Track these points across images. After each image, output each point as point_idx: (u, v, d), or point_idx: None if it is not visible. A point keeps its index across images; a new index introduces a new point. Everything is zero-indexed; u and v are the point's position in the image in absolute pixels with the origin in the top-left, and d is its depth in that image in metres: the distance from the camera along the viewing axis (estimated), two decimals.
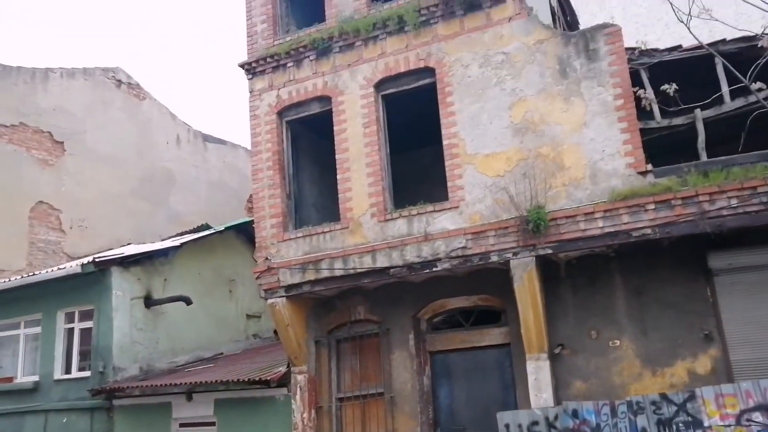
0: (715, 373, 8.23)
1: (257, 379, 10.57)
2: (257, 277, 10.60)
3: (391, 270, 9.55)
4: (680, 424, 7.43)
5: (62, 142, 17.64)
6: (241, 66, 11.54)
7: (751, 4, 7.17)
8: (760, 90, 7.44)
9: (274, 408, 10.76)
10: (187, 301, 13.44)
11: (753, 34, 8.00)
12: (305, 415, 10.27)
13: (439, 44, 9.99)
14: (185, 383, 11.37)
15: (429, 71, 10.04)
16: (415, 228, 9.56)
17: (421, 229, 9.50)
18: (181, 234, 16.22)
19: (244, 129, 57.15)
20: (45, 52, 47.18)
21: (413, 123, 10.94)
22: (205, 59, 54.22)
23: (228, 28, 55.47)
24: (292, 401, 10.42)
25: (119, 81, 19.24)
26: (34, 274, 14.14)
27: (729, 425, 7.24)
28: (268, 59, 11.23)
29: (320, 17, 11.19)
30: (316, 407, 10.37)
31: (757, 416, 7.18)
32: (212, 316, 14.41)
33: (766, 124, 8.71)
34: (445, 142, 9.72)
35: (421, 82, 10.18)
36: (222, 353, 14.20)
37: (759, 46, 7.44)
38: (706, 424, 7.33)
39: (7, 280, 14.25)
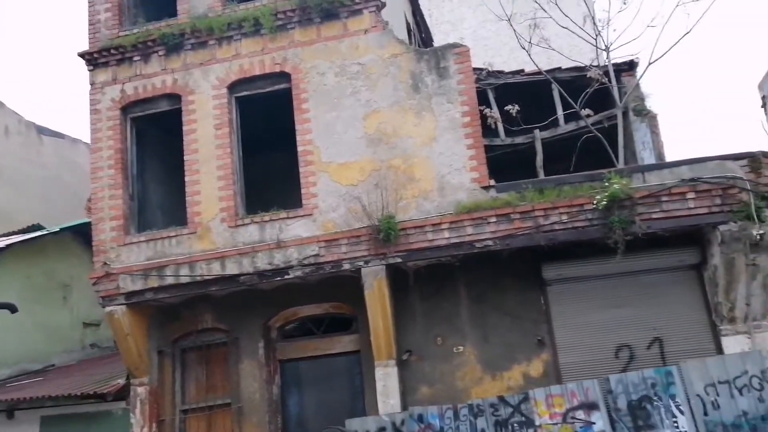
0: (547, 375, 8.88)
1: (91, 392, 9.83)
2: (94, 284, 9.87)
3: (242, 277, 9.30)
4: (515, 425, 7.91)
5: None
6: (81, 56, 10.69)
7: (581, 38, 7.85)
8: (588, 116, 8.18)
9: (110, 423, 10.08)
10: (12, 309, 12.13)
11: (583, 65, 8.77)
12: (145, 429, 9.69)
13: (295, 50, 9.90)
14: (5, 399, 10.31)
15: (285, 76, 9.92)
16: (268, 235, 9.39)
17: (273, 236, 9.35)
18: (8, 234, 14.67)
19: (85, 123, 52.95)
20: None
21: (268, 126, 10.76)
22: (43, 45, 49.66)
23: (70, 12, 51.24)
24: (131, 415, 9.79)
25: None
26: None
27: (556, 423, 7.83)
28: (113, 51, 10.51)
29: (172, 12, 10.66)
30: (157, 420, 9.82)
31: (580, 414, 7.84)
32: (42, 325, 13.17)
33: (594, 147, 9.60)
34: (300, 149, 9.65)
35: (276, 87, 10.04)
36: (53, 365, 13.04)
37: (588, 76, 8.18)
38: (537, 423, 7.87)
39: None
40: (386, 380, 8.91)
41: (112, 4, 10.87)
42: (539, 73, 9.09)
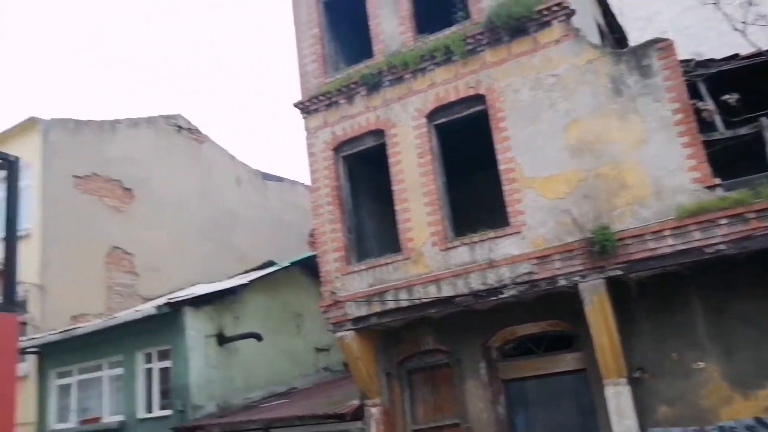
0: None
1: (332, 413, 10.68)
2: (324, 312, 10.77)
3: (457, 299, 9.54)
4: None
5: (131, 189, 18.45)
6: (296, 106, 11.86)
7: None
8: None
9: None
10: (258, 338, 13.76)
11: None
12: None
13: (487, 71, 10.02)
14: (263, 419, 11.60)
15: (479, 98, 10.07)
16: (478, 255, 9.54)
17: (484, 256, 9.47)
18: (247, 272, 16.65)
19: (301, 165, 58.17)
20: (112, 104, 49.55)
21: (467, 149, 10.98)
22: (259, 99, 55.75)
23: (280, 69, 56.92)
24: None
25: (179, 127, 20.03)
26: (113, 317, 14.76)
27: None
28: (321, 97, 11.52)
29: (368, 53, 11.41)
30: None
31: None
32: (283, 351, 14.68)
33: None
34: (501, 167, 9.70)
35: (472, 110, 10.21)
36: (295, 388, 14.42)
37: None
38: None
39: (88, 324, 14.91)
40: (618, 399, 8.50)
41: (317, 56, 11.94)
42: (759, 54, 8.16)
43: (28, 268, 15.04)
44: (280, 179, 22.20)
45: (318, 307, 11.15)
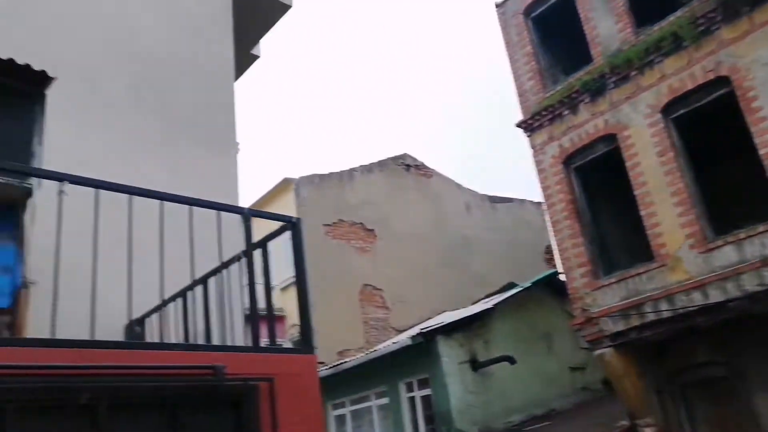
0: None
1: None
2: (578, 329, 10.45)
3: (729, 304, 8.61)
4: None
5: (373, 230, 19.86)
6: (519, 125, 11.87)
7: None
8: None
9: None
10: (511, 361, 13.73)
11: None
12: None
13: (727, 50, 9.09)
14: None
15: (722, 81, 9.15)
16: (748, 253, 8.55)
17: (755, 254, 8.46)
18: (489, 296, 16.80)
19: (528, 182, 57.59)
20: (346, 152, 54.28)
21: (711, 138, 10.00)
22: (468, 123, 56.71)
23: (489, 92, 57.48)
24: None
25: (407, 165, 21.18)
26: (373, 351, 15.87)
27: None
28: (543, 113, 11.38)
29: (586, 59, 11.05)
30: None
31: None
32: (537, 373, 14.45)
33: None
34: (762, 151, 8.65)
35: (714, 95, 9.32)
36: (554, 410, 14.07)
37: None
38: None
39: (353, 358, 16.22)
40: None
41: (533, 72, 11.87)
42: None
43: (297, 312, 16.86)
44: (508, 200, 22.22)
45: (570, 325, 10.86)
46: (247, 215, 4.26)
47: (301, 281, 4.48)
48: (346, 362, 16.22)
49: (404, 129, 55.49)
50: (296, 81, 60.90)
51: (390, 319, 19.11)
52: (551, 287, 14.79)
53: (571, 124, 11.01)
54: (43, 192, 4.10)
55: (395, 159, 21.16)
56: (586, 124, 10.79)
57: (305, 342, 4.44)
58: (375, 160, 20.87)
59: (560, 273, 12.87)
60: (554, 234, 11.17)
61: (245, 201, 19.56)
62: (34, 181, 4.18)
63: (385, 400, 15.32)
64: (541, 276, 15.49)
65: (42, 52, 5.22)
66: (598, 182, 11.43)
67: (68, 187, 3.42)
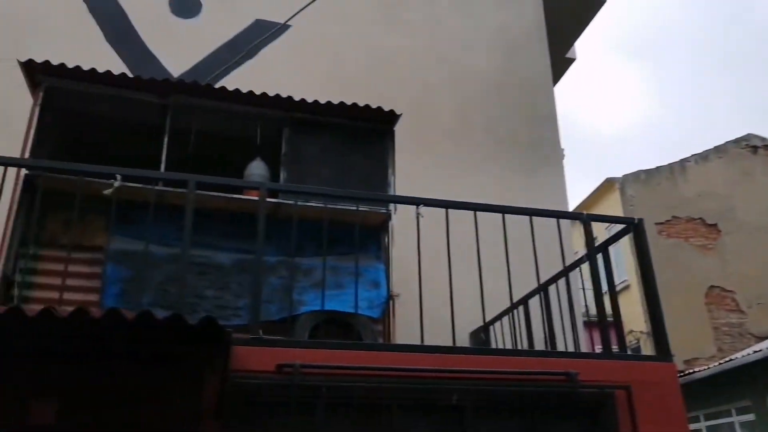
0: None
1: None
2: None
3: None
4: None
5: (715, 224, 17.76)
6: None
7: None
8: None
9: None
10: None
11: None
12: None
13: None
14: None
15: None
16: None
17: None
18: None
19: None
20: (667, 145, 49.99)
21: None
22: None
23: None
24: None
25: (754, 147, 18.50)
26: (729, 360, 14.09)
27: None
28: None
29: None
30: None
31: None
32: None
33: None
34: None
35: None
36: None
37: None
38: None
39: (703, 368, 14.62)
40: None
41: None
42: None
43: (632, 318, 15.92)
44: None
45: None
46: (586, 220, 4.22)
47: (649, 284, 4.26)
48: (697, 371, 14.74)
49: (742, 106, 48.57)
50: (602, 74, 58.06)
51: (747, 324, 16.79)
52: None
53: None
54: (398, 215, 4.65)
55: (737, 141, 18.68)
56: None
57: (660, 349, 4.20)
58: (710, 146, 18.71)
59: None
60: None
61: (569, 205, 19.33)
62: (390, 206, 4.77)
63: (749, 417, 13.47)
64: None
65: (384, 92, 5.95)
66: None
67: (422, 209, 3.82)
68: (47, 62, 4.53)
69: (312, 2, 5.87)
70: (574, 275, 4.68)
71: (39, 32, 6.82)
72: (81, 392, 2.98)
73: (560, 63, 8.25)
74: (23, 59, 4.53)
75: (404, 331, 4.31)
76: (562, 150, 6.79)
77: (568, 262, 4.53)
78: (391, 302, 4.59)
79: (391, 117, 4.99)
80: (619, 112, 56.09)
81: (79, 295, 4.31)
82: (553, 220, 4.29)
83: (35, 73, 4.58)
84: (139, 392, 3.06)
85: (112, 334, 2.85)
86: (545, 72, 6.97)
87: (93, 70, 4.59)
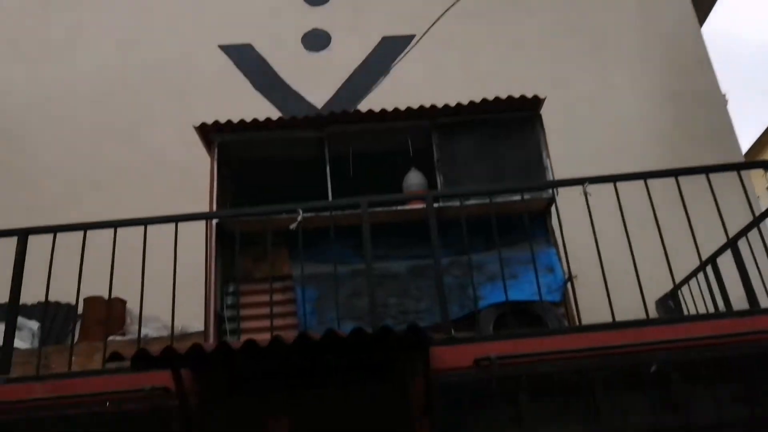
0: None
1: None
2: None
3: None
4: None
5: None
6: None
7: None
8: None
9: None
10: None
11: None
12: None
13: None
14: None
15: None
16: None
17: None
18: None
19: None
20: None
21: None
22: None
23: None
24: None
25: None
26: None
27: None
28: None
29: None
30: None
31: None
32: None
33: None
34: None
35: None
36: None
37: None
38: None
39: None
40: None
41: None
42: None
43: None
44: None
45: None
46: None
47: None
48: None
49: None
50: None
51: None
52: None
53: None
54: (561, 197, 4.62)
55: None
56: None
57: None
58: None
59: None
60: None
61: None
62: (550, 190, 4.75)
63: None
64: None
65: (522, 77, 5.92)
66: None
67: (589, 187, 3.80)
68: (216, 122, 5.06)
69: (445, 12, 5.99)
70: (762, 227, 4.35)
71: (197, 93, 7.60)
72: (308, 406, 3.32)
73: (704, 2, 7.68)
74: (187, 121, 5.12)
75: (588, 311, 4.29)
76: (725, 95, 6.31)
77: (748, 216, 4.25)
78: (569, 284, 4.56)
79: (536, 102, 4.97)
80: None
81: (278, 320, 4.75)
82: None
83: (209, 133, 5.14)
84: (357, 400, 3.34)
85: (327, 351, 3.15)
86: (689, 14, 6.54)
87: (255, 120, 5.05)
